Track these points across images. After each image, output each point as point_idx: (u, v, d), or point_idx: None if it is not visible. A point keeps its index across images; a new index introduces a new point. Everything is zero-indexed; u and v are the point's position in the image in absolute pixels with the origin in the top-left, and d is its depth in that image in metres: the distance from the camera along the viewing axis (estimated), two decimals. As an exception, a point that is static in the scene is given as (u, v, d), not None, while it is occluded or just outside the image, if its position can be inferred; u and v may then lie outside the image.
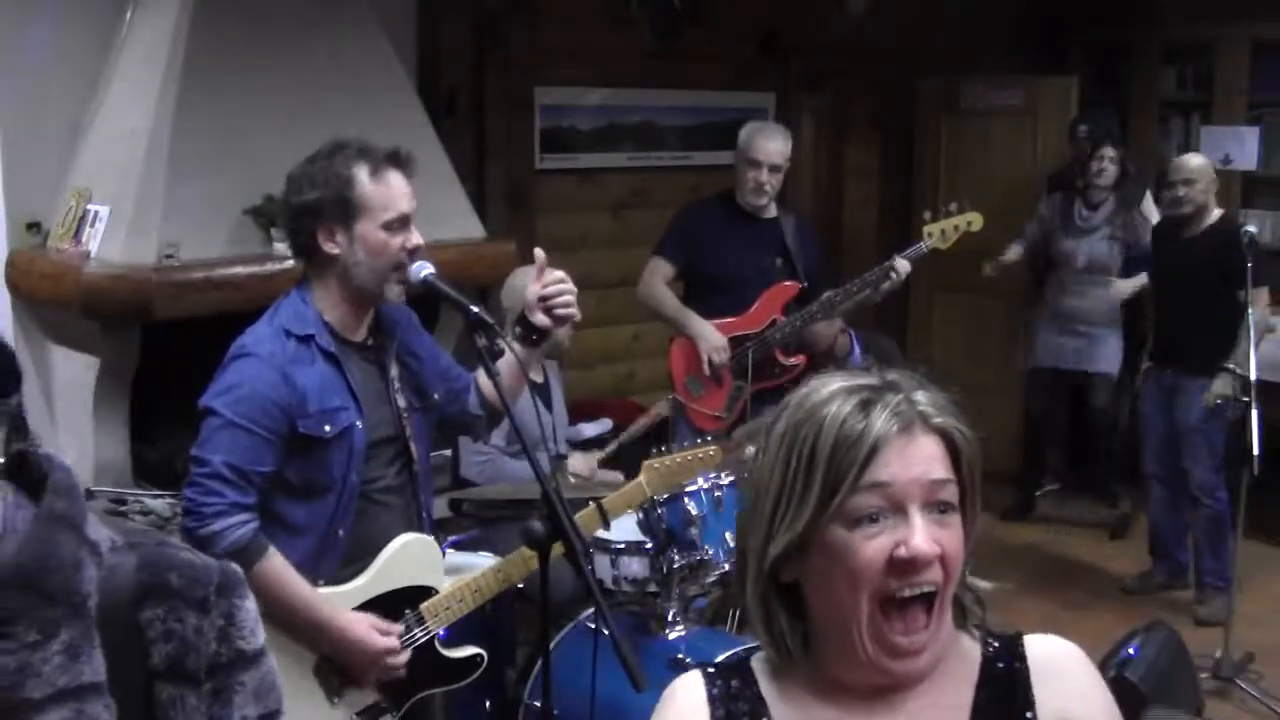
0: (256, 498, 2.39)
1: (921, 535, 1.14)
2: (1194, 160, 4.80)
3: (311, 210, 2.45)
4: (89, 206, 3.84)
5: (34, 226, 3.97)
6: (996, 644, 1.27)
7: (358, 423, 2.49)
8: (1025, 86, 6.43)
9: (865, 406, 1.17)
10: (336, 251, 2.45)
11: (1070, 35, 6.80)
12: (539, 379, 3.69)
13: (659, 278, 4.31)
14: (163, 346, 3.82)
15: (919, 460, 1.16)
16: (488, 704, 3.15)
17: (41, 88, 3.92)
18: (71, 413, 3.96)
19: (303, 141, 3.27)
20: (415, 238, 2.49)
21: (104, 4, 4.01)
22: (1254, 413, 4.09)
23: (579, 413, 4.65)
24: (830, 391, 1.20)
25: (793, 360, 4.27)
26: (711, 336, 4.20)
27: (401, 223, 2.47)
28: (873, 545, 1.14)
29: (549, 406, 3.65)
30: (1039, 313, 5.80)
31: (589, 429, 4.75)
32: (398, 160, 2.51)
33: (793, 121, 6.24)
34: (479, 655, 2.68)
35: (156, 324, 3.74)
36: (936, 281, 6.50)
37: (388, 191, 2.46)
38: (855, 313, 4.43)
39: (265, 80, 3.93)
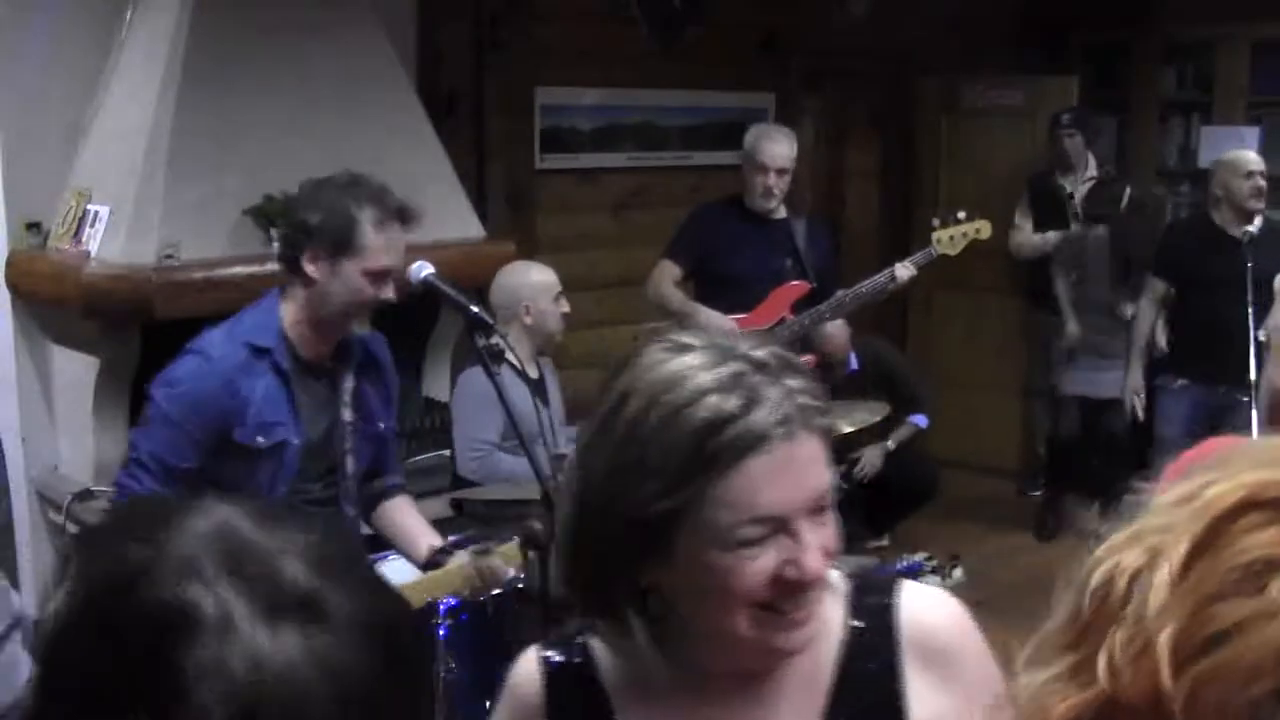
0: (175, 489, 2.46)
1: (814, 553, 1.02)
2: (1256, 156, 4.61)
3: (308, 231, 2.49)
4: (89, 207, 3.83)
5: (34, 226, 3.97)
6: (864, 614, 1.13)
7: (294, 441, 2.54)
8: (1025, 86, 6.43)
9: (746, 405, 1.00)
10: (316, 277, 2.49)
11: (1070, 35, 6.79)
12: (534, 374, 3.70)
13: (667, 278, 4.36)
14: (163, 346, 3.81)
15: (806, 472, 1.02)
16: (488, 704, 3.15)
17: (41, 88, 3.91)
18: (71, 413, 3.96)
19: (303, 141, 3.27)
20: (389, 292, 2.53)
21: (104, 4, 4.01)
22: (1254, 413, 4.08)
23: (578, 413, 4.65)
24: (688, 368, 1.02)
25: (801, 359, 4.29)
26: (721, 324, 4.22)
27: (383, 275, 2.51)
28: (755, 566, 1.01)
29: (545, 402, 3.66)
30: (1069, 339, 5.48)
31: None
32: (405, 216, 2.54)
33: (793, 122, 6.23)
34: None
35: (156, 324, 3.74)
36: (936, 281, 6.50)
37: (383, 244, 2.49)
38: (856, 314, 4.45)
39: (265, 80, 3.92)
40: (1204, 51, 6.52)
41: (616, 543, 1.04)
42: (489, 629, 3.09)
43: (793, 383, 1.03)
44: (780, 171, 4.26)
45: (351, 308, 2.52)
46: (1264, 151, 6.13)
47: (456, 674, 2.93)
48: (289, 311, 2.54)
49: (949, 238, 4.36)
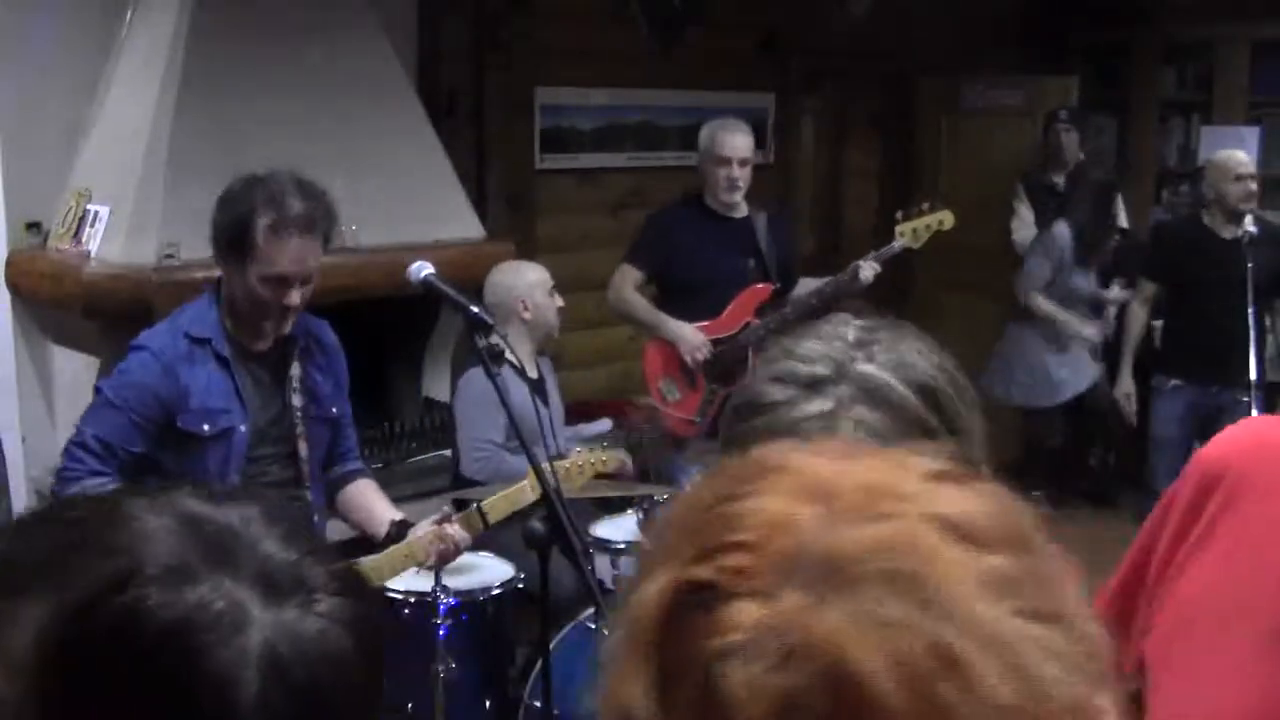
0: (116, 470, 2.50)
1: None
2: (1245, 157, 4.64)
3: (214, 234, 2.55)
4: (89, 207, 3.84)
5: (34, 226, 3.97)
6: None
7: (241, 426, 2.58)
8: (1025, 86, 6.43)
9: (789, 402, 1.00)
10: (224, 277, 2.58)
11: (1070, 35, 6.80)
12: (533, 374, 3.70)
13: (629, 284, 4.30)
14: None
15: None
16: (488, 704, 3.15)
17: (41, 88, 3.91)
18: (71, 413, 3.95)
19: (303, 141, 3.27)
20: (292, 298, 2.53)
21: (104, 4, 4.01)
22: (1254, 413, 4.09)
23: (578, 413, 4.65)
24: (776, 366, 1.03)
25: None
26: (690, 336, 4.19)
27: (280, 281, 2.51)
28: None
29: (545, 401, 3.66)
30: (1034, 345, 5.46)
31: (588, 429, 4.76)
32: (305, 225, 2.51)
33: (793, 121, 6.24)
34: None
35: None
36: (939, 282, 6.50)
37: (276, 251, 2.49)
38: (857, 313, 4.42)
39: (265, 80, 3.92)
40: (1204, 51, 6.53)
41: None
42: (489, 629, 3.10)
43: (861, 413, 0.98)
44: (742, 162, 4.19)
45: (255, 311, 2.56)
46: (1264, 151, 6.16)
47: (456, 674, 2.93)
48: (226, 306, 2.61)
49: (913, 230, 4.31)
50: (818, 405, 0.98)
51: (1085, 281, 5.39)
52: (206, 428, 2.55)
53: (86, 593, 0.68)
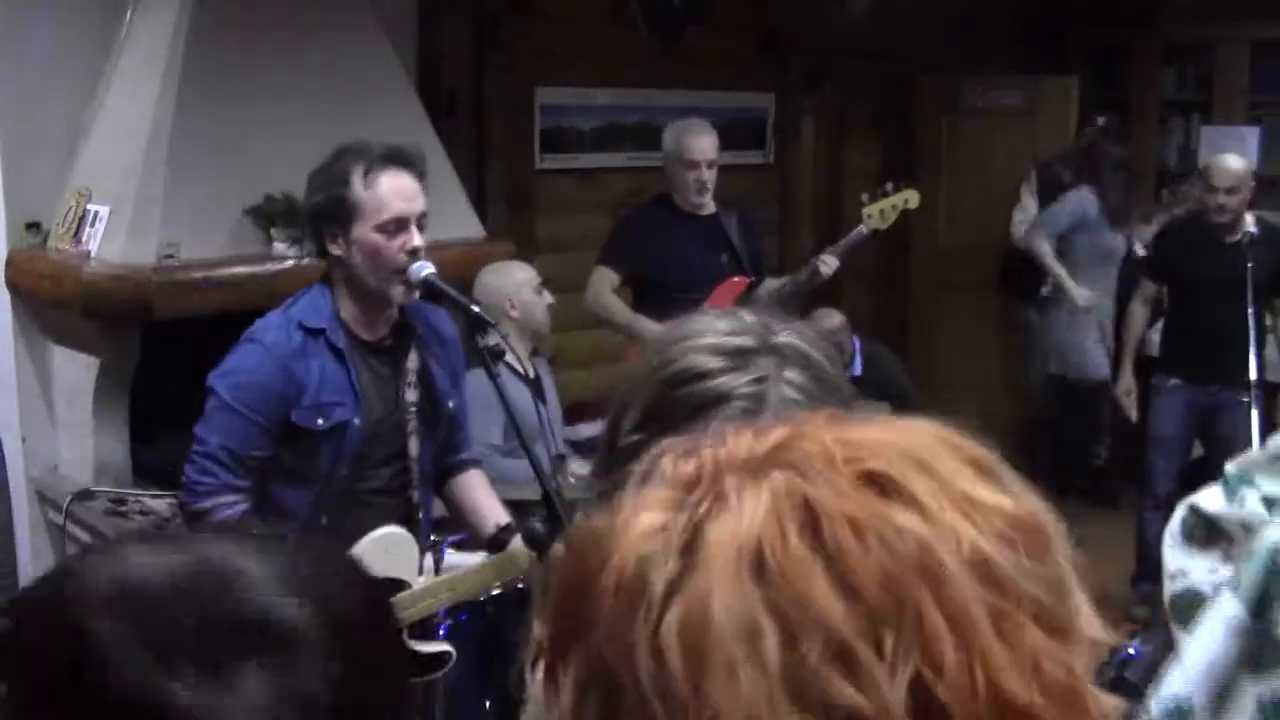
0: (249, 480, 2.46)
1: None
2: (1236, 164, 4.56)
3: (313, 214, 2.50)
4: (89, 206, 3.83)
5: (34, 226, 3.97)
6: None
7: (355, 420, 2.52)
8: (1025, 86, 6.44)
9: (723, 370, 1.02)
10: (340, 254, 2.49)
11: (1070, 35, 6.80)
12: (531, 374, 3.70)
13: (606, 286, 4.30)
14: (163, 346, 3.81)
15: None
16: (488, 704, 3.15)
17: (41, 88, 3.91)
18: (71, 413, 3.96)
19: (303, 141, 3.27)
20: (414, 239, 2.47)
21: (104, 4, 4.01)
22: (1254, 413, 4.08)
23: (577, 414, 4.64)
24: (700, 341, 1.05)
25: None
26: None
27: (398, 224, 2.46)
28: None
29: (543, 400, 3.66)
30: (1072, 316, 5.50)
31: (588, 430, 4.75)
32: (398, 159, 2.49)
33: (793, 121, 6.24)
34: (447, 652, 2.65)
35: (156, 324, 3.74)
36: (938, 282, 6.50)
37: (380, 194, 2.45)
38: (853, 313, 4.43)
39: (265, 80, 3.92)
40: (1204, 51, 6.53)
41: (608, 463, 1.08)
42: (489, 629, 3.09)
43: (792, 375, 1.02)
44: (710, 164, 4.20)
45: (381, 271, 2.48)
46: (1264, 151, 6.15)
47: (456, 674, 2.93)
48: (340, 296, 2.54)
49: (879, 212, 4.31)
50: (749, 374, 1.01)
51: (1118, 243, 5.50)
52: (320, 422, 2.49)
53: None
